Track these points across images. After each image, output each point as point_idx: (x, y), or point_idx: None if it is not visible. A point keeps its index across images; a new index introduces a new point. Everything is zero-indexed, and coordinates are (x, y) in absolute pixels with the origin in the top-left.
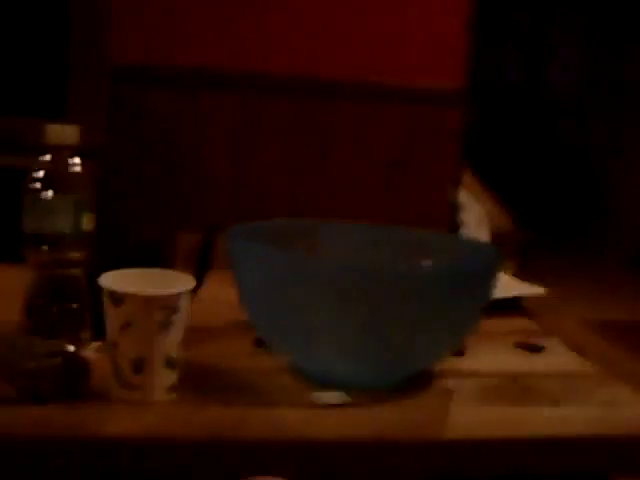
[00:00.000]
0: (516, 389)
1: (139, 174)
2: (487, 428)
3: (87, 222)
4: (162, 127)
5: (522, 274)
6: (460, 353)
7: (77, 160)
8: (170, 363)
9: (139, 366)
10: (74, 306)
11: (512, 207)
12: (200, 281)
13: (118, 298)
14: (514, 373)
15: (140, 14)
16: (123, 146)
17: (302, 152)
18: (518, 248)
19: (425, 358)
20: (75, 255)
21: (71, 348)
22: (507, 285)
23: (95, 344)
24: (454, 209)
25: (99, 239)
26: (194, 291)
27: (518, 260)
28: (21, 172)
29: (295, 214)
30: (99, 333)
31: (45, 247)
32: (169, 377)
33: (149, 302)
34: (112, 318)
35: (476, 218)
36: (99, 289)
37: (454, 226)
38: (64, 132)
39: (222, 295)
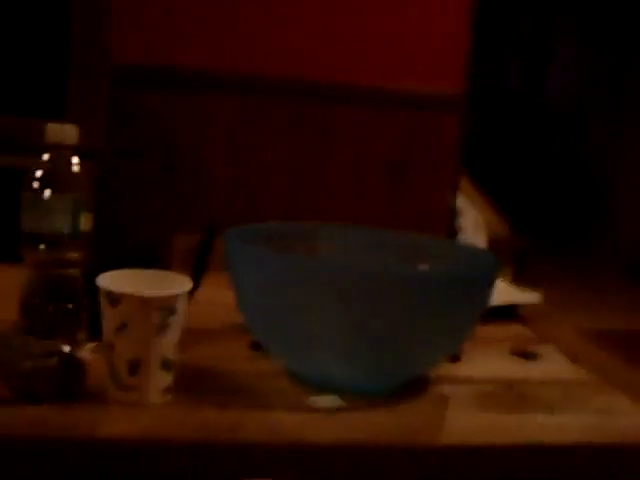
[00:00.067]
0: (511, 396)
1: (137, 175)
2: (482, 434)
3: (85, 222)
4: (161, 128)
5: (519, 281)
6: (456, 359)
7: (76, 160)
8: (166, 365)
9: (135, 367)
10: (70, 306)
11: (510, 213)
12: (197, 283)
13: (115, 299)
14: (510, 380)
15: (140, 15)
16: (122, 146)
17: (301, 155)
18: (515, 255)
19: (421, 363)
20: (72, 255)
21: (67, 348)
22: (503, 292)
23: (91, 345)
24: (452, 214)
25: (97, 239)
26: (191, 293)
27: (515, 267)
28: (20, 172)
29: (293, 217)
30: (95, 334)
31: (43, 247)
32: (165, 379)
33: (146, 303)
34: (108, 319)
35: (473, 224)
36: (96, 289)
37: (452, 231)
38: (63, 132)
39: (219, 297)
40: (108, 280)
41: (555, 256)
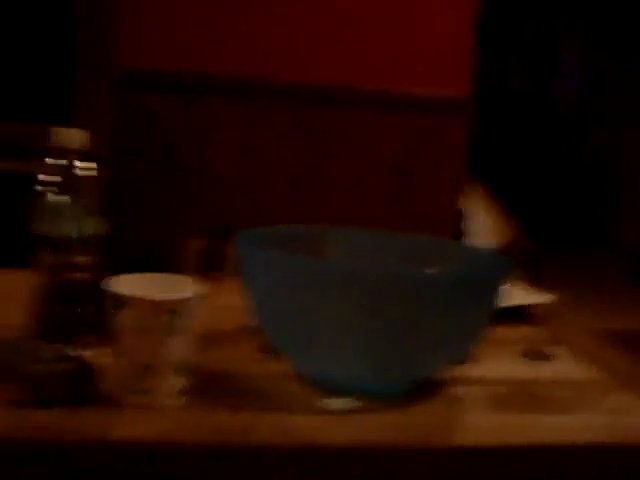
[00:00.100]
0: (524, 397)
1: (145, 179)
2: (496, 435)
3: (94, 226)
4: (166, 132)
5: (530, 283)
6: (467, 360)
7: (85, 164)
8: (178, 368)
9: (147, 371)
10: (80, 310)
11: (517, 216)
12: (206, 286)
13: (125, 302)
14: (522, 381)
15: (146, 20)
16: (128, 151)
17: (306, 159)
18: (524, 257)
19: (434, 365)
20: (82, 259)
21: (78, 353)
22: (515, 293)
23: (102, 349)
24: (459, 217)
25: (106, 243)
26: (202, 296)
27: (525, 269)
28: (28, 176)
29: (298, 220)
30: (106, 338)
31: (52, 251)
32: (177, 382)
33: (157, 306)
34: (119, 323)
35: (482, 226)
36: (106, 293)
37: (459, 234)
38: (71, 136)
39: (230, 300)
40: (118, 284)
41: (564, 257)
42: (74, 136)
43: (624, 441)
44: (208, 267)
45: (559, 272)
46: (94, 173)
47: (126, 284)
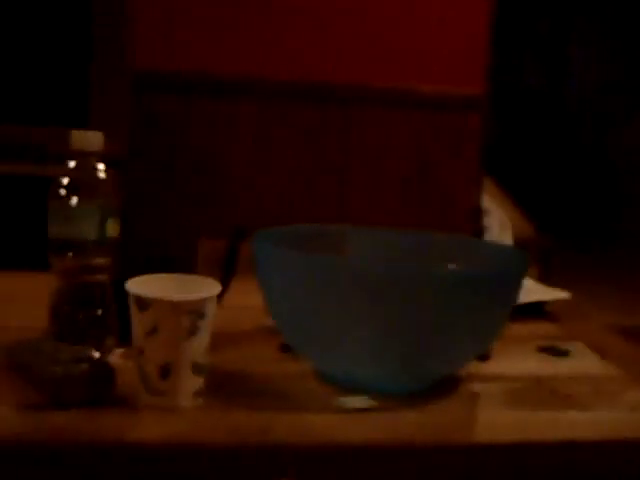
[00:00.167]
0: (542, 393)
1: (161, 181)
2: (514, 432)
3: (112, 228)
4: (182, 134)
5: (545, 280)
6: (485, 357)
7: (102, 166)
8: (197, 368)
9: (165, 371)
10: (99, 312)
11: (532, 212)
12: (226, 286)
13: (144, 303)
14: (539, 377)
15: (161, 23)
16: (145, 153)
17: (322, 157)
18: (541, 254)
19: (451, 362)
20: (100, 261)
21: (97, 354)
22: (531, 289)
23: (120, 350)
24: (477, 214)
25: (123, 245)
26: (219, 296)
27: (541, 266)
28: (46, 180)
29: (315, 220)
30: (124, 339)
31: (70, 253)
32: (196, 382)
33: (176, 307)
34: (138, 323)
35: (499, 223)
36: (124, 295)
37: (477, 231)
38: (88, 139)
39: (247, 300)
40: (137, 285)
41: (580, 254)
42: (91, 139)
43: None
44: (225, 268)
45: (574, 268)
46: (111, 175)
47: (145, 285)
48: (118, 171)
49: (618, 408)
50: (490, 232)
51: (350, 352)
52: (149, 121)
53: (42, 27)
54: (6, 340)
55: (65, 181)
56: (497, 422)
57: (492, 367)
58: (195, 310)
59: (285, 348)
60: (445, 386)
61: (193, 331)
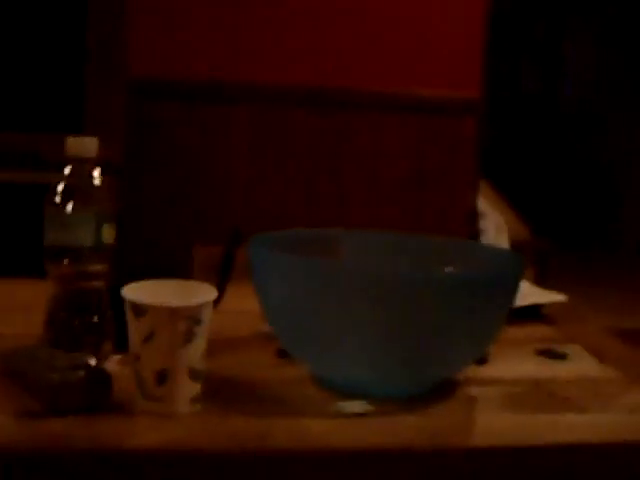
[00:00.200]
0: (540, 396)
1: (156, 187)
2: (513, 435)
3: (108, 234)
4: (178, 140)
5: (541, 283)
6: (483, 361)
7: (97, 173)
8: (193, 374)
9: (162, 378)
10: (96, 319)
11: (529, 216)
12: (222, 292)
13: (141, 309)
14: (537, 380)
15: (155, 29)
16: (140, 159)
17: (320, 161)
18: (537, 257)
19: (449, 366)
20: (96, 268)
21: (93, 361)
22: (528, 292)
23: (117, 356)
24: (474, 217)
25: (119, 251)
26: (216, 302)
27: (537, 269)
28: (42, 187)
29: (313, 224)
30: (121, 346)
31: (66, 260)
32: (193, 388)
33: (172, 313)
34: (135, 330)
35: (495, 226)
36: (121, 301)
37: (474, 234)
38: (84, 145)
39: (243, 306)
40: (133, 291)
41: (576, 257)
42: (87, 145)
43: None
44: (221, 273)
45: (570, 271)
46: (107, 181)
47: (141, 291)
48: (114, 177)
49: (616, 410)
50: (486, 235)
51: (348, 356)
52: (145, 127)
53: (37, 34)
54: (2, 347)
55: (61, 187)
56: (495, 425)
57: (490, 370)
58: (191, 316)
59: (282, 353)
60: (443, 390)
61: (189, 337)
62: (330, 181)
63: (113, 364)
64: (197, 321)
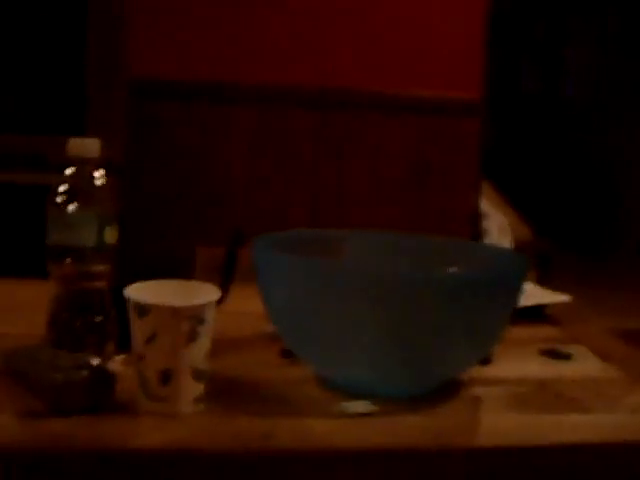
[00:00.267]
0: (544, 396)
1: (157, 187)
2: (517, 435)
3: (110, 235)
4: (179, 140)
5: (544, 283)
6: (487, 361)
7: (99, 173)
8: (197, 374)
9: (166, 378)
10: (98, 319)
11: (532, 217)
12: (225, 293)
13: (144, 310)
14: (541, 380)
15: (155, 29)
16: (142, 160)
17: (322, 162)
18: (539, 258)
19: (453, 366)
20: (98, 268)
21: (96, 361)
22: (531, 293)
23: (120, 357)
24: (476, 217)
25: (122, 252)
26: (219, 303)
27: (540, 270)
28: (45, 188)
29: (314, 225)
30: (124, 346)
31: (69, 260)
32: (196, 388)
33: (176, 313)
34: (138, 330)
35: (498, 226)
36: (123, 301)
37: (477, 234)
38: (85, 146)
39: (246, 306)
40: (136, 291)
41: (577, 258)
42: (89, 146)
43: None
44: (224, 274)
45: (573, 272)
46: (109, 182)
47: (144, 291)
48: (116, 177)
49: (619, 411)
50: (489, 236)
51: (349, 356)
52: (145, 127)
53: (37, 34)
54: (5, 348)
55: (63, 188)
56: (500, 425)
57: (494, 371)
58: (195, 316)
59: (286, 354)
60: (447, 390)
61: (193, 337)
62: (330, 181)
63: (116, 364)
64: (200, 321)
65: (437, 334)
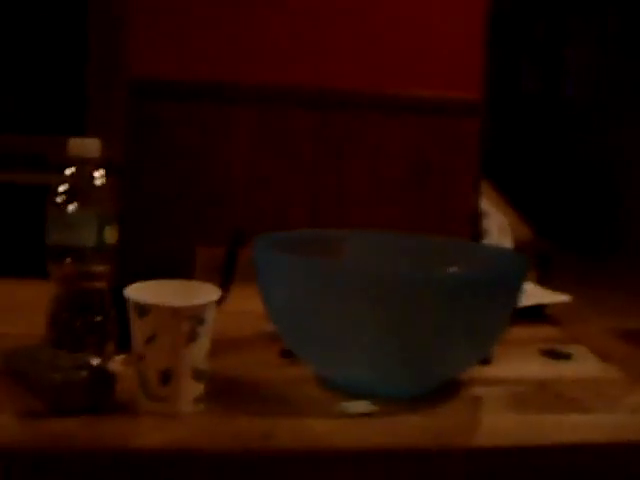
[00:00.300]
0: (544, 396)
1: (159, 187)
2: (517, 435)
3: (110, 235)
4: (179, 140)
5: (544, 284)
6: (487, 361)
7: (100, 173)
8: (197, 374)
9: (166, 377)
10: (98, 319)
11: (532, 217)
12: (225, 293)
13: (144, 310)
14: (541, 380)
15: (155, 29)
16: (142, 160)
17: (322, 163)
18: (539, 258)
19: (453, 366)
20: (98, 268)
21: (96, 361)
22: (532, 293)
23: (120, 357)
24: (476, 217)
25: (122, 252)
26: (219, 302)
27: (540, 270)
28: (45, 188)
29: (315, 225)
30: (124, 346)
31: (69, 260)
32: (196, 388)
33: (176, 313)
34: (138, 330)
35: (498, 226)
36: (123, 301)
37: (477, 234)
38: (86, 145)
39: (246, 306)
40: (136, 291)
41: (578, 258)
42: (89, 146)
43: None
44: (224, 273)
45: (573, 272)
46: (109, 182)
47: (145, 291)
48: (116, 177)
49: (620, 411)
50: (489, 236)
51: (351, 356)
52: (145, 127)
53: (38, 35)
54: (5, 348)
55: (63, 188)
56: (500, 425)
57: (494, 371)
58: (195, 316)
59: (286, 354)
60: (447, 390)
61: (193, 337)
62: (331, 181)
63: (116, 364)
64: (200, 321)
65: (437, 334)
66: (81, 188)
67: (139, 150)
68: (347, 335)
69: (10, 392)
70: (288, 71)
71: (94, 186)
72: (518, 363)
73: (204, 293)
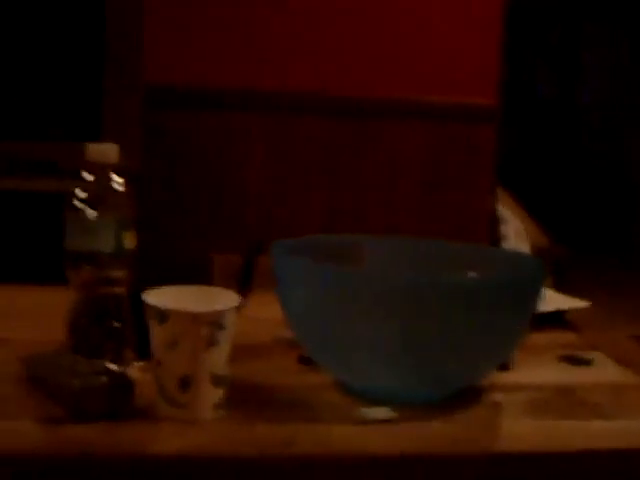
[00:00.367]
0: (564, 402)
1: (175, 193)
2: (537, 441)
3: (128, 240)
4: (194, 148)
5: (562, 290)
6: (506, 367)
7: (118, 179)
8: (216, 380)
9: (185, 384)
10: (117, 325)
11: (548, 224)
12: (243, 299)
13: (163, 315)
14: (561, 386)
15: (172, 37)
16: (158, 166)
17: (337, 168)
18: (556, 265)
19: (471, 373)
20: (117, 274)
21: (115, 367)
22: (551, 298)
23: (139, 363)
24: (494, 222)
25: (140, 257)
26: (238, 308)
27: (556, 277)
28: (64, 193)
29: (330, 231)
30: (142, 352)
31: (87, 266)
32: (215, 394)
33: (196, 319)
34: (157, 335)
35: (516, 231)
36: (141, 307)
37: (495, 239)
38: (103, 151)
39: (264, 313)
40: (155, 297)
41: (595, 265)
42: (107, 151)
43: None
44: (242, 281)
45: (590, 279)
46: (127, 188)
47: (164, 297)
48: (133, 184)
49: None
50: (507, 241)
51: (367, 362)
52: (161, 135)
53: (55, 42)
54: (24, 353)
55: (81, 194)
56: (519, 431)
57: (513, 376)
58: (214, 321)
59: (304, 360)
60: (467, 396)
61: (212, 343)
62: (347, 189)
63: (135, 370)
64: (220, 327)
65: (456, 339)
66: (100, 194)
67: (154, 157)
68: (363, 341)
69: (30, 398)
70: (307, 79)
71: (112, 191)
72: (538, 369)
73: (223, 299)
